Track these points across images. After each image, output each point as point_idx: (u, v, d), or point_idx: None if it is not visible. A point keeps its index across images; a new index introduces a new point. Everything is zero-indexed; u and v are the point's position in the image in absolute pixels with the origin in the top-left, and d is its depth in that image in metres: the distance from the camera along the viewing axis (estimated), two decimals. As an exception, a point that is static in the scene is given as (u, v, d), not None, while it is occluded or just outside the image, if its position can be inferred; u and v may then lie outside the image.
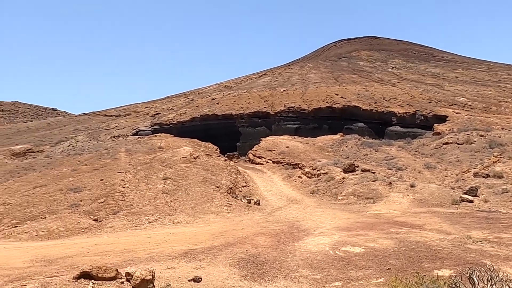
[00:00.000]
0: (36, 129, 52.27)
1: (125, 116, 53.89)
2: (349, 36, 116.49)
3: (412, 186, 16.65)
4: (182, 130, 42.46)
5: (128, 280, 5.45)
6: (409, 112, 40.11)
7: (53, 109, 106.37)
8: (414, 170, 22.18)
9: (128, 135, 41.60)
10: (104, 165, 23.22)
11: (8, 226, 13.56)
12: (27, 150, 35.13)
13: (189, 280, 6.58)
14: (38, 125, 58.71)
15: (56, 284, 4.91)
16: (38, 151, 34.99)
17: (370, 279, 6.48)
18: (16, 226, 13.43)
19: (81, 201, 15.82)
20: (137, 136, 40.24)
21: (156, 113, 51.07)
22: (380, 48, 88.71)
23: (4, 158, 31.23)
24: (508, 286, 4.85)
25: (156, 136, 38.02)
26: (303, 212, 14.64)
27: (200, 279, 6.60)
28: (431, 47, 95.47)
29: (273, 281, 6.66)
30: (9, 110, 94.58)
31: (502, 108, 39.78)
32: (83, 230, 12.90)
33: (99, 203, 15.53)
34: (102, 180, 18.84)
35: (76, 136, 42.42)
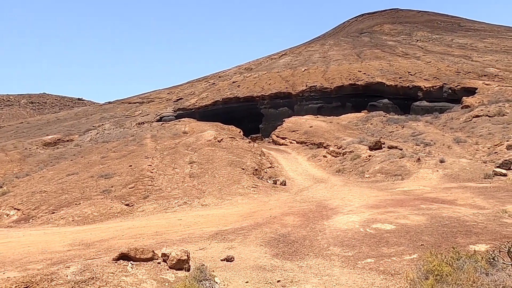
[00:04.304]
0: (65, 119, 53.86)
1: (148, 102, 54.66)
2: (370, 10, 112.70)
3: (441, 161, 16.26)
4: (204, 114, 42.72)
5: (164, 261, 5.62)
6: (435, 86, 38.77)
7: (79, 99, 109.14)
8: (443, 145, 21.60)
9: (152, 122, 42.27)
10: (132, 152, 23.75)
11: (46, 212, 14.18)
12: (58, 139, 36.37)
13: (222, 260, 6.72)
14: (66, 115, 60.47)
15: (97, 266, 5.12)
16: (68, 140, 36.16)
17: (403, 255, 6.43)
18: (53, 213, 14.03)
19: (112, 187, 16.30)
20: (161, 122, 40.83)
21: (178, 98, 51.51)
22: (403, 20, 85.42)
23: (37, 148, 32.45)
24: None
25: (179, 121, 38.45)
26: (330, 191, 14.58)
27: (232, 259, 6.73)
28: (458, 17, 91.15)
29: (305, 259, 6.71)
30: (38, 102, 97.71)
31: (536, 77, 37.82)
32: (116, 214, 13.33)
33: (129, 188, 15.97)
34: (131, 166, 19.31)
35: (102, 124, 43.46)
